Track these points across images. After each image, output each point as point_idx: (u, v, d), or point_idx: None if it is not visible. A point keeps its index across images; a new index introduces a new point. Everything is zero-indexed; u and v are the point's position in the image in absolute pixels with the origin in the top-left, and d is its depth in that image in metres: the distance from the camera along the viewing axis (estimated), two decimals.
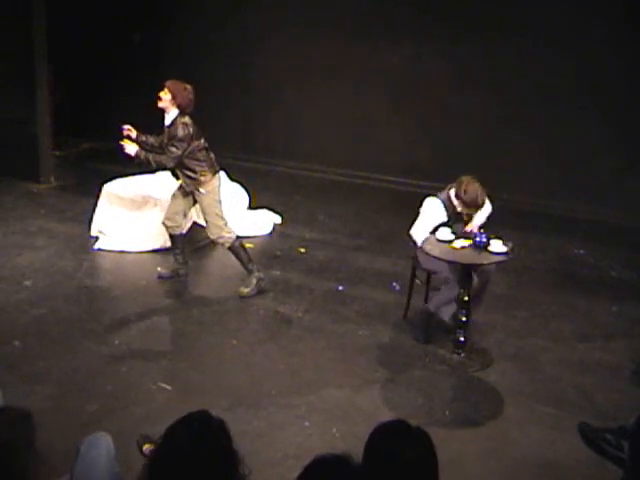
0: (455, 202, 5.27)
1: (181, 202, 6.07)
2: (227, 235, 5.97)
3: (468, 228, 5.37)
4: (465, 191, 5.16)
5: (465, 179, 5.22)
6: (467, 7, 8.28)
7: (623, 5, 7.62)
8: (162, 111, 5.86)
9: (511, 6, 8.09)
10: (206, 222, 6.04)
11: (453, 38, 8.39)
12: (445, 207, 5.35)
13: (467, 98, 8.44)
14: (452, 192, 5.29)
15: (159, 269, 6.35)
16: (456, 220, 5.39)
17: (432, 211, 5.38)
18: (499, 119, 8.37)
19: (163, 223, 6.18)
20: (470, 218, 5.39)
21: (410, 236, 5.44)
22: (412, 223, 5.51)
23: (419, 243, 5.32)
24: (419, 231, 5.39)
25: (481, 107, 8.41)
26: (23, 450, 2.57)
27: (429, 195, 5.50)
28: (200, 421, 2.54)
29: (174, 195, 6.12)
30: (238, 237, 6.07)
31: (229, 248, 6.02)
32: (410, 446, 2.47)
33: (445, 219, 5.36)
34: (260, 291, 6.05)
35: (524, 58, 8.13)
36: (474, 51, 8.31)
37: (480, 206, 5.28)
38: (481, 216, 5.44)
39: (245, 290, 6.00)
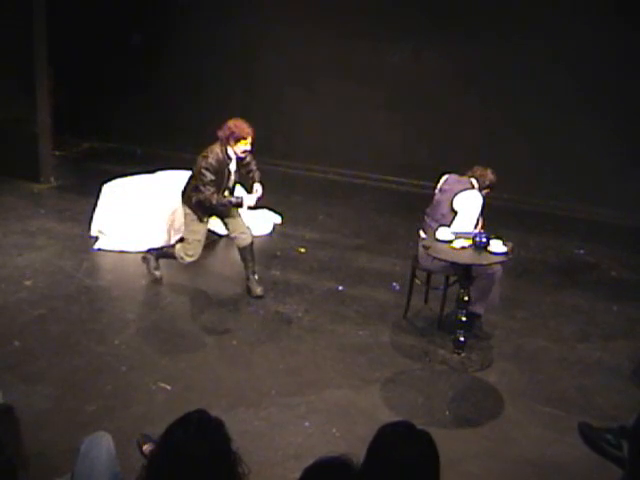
0: (485, 194, 5.50)
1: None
2: (182, 254, 6.01)
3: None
4: (495, 177, 5.52)
5: (480, 169, 5.53)
6: (466, 7, 8.28)
7: (623, 6, 7.61)
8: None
9: (510, 6, 8.09)
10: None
11: (452, 38, 8.39)
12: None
13: (467, 98, 8.45)
14: (476, 183, 5.47)
15: (157, 273, 6.31)
16: None
17: (477, 208, 5.43)
18: (499, 119, 8.37)
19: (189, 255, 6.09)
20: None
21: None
22: (412, 223, 5.53)
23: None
24: (466, 228, 5.37)
25: (481, 107, 8.42)
26: (9, 444, 2.58)
27: (431, 191, 5.56)
28: (198, 421, 2.54)
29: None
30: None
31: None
32: (412, 448, 2.47)
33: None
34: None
35: (523, 58, 8.13)
36: (474, 51, 8.31)
37: None
38: None
39: (258, 289, 6.07)
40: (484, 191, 5.49)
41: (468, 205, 5.38)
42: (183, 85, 9.74)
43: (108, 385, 4.75)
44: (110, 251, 6.86)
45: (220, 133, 5.68)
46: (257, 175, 5.97)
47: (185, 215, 5.97)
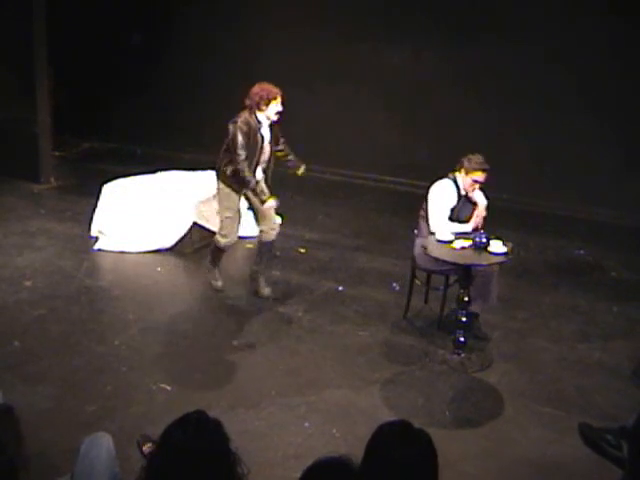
0: (464, 180, 5.34)
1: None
2: (217, 237, 5.93)
3: (477, 218, 5.43)
4: (470, 159, 5.31)
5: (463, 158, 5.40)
6: (466, 9, 8.28)
7: (621, 8, 7.61)
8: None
9: (510, 8, 8.09)
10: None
11: (452, 39, 8.39)
12: (456, 186, 5.39)
13: (466, 99, 8.44)
14: (457, 174, 5.39)
15: (218, 284, 6.11)
16: (464, 206, 5.43)
17: (443, 194, 5.38)
18: (498, 119, 8.37)
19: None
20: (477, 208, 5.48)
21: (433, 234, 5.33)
22: (412, 223, 5.54)
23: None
24: (439, 222, 5.34)
25: (480, 107, 8.41)
26: (10, 444, 2.58)
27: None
28: (196, 421, 2.54)
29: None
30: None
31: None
32: (410, 447, 2.47)
33: (455, 201, 5.38)
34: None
35: (523, 59, 8.12)
36: (473, 52, 8.31)
37: (488, 168, 5.33)
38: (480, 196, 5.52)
39: (266, 290, 6.02)
40: (459, 175, 5.36)
41: (434, 194, 5.40)
42: (183, 85, 9.74)
43: (108, 385, 4.75)
44: (110, 251, 6.86)
45: (248, 101, 5.58)
46: (303, 167, 5.90)
47: (218, 191, 5.78)
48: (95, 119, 10.12)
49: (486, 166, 5.31)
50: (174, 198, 6.94)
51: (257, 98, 5.56)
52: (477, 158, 5.33)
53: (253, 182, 5.58)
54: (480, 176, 5.32)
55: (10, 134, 8.56)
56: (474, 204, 5.46)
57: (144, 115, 9.81)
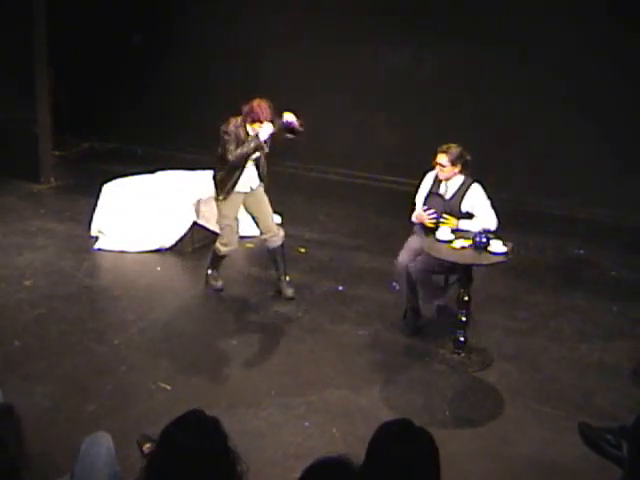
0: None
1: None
2: (218, 245, 5.98)
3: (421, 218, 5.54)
4: None
5: None
6: (467, 12, 8.27)
7: (621, 8, 7.61)
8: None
9: (510, 11, 8.08)
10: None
11: (453, 41, 8.38)
12: (435, 175, 5.57)
13: (466, 99, 8.44)
14: None
15: (217, 284, 6.14)
16: (432, 199, 5.56)
17: (423, 180, 5.67)
18: (498, 120, 8.36)
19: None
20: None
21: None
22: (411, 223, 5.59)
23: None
24: (417, 205, 5.65)
25: (480, 108, 8.41)
26: (11, 443, 2.58)
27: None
28: (195, 421, 2.55)
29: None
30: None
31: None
32: (412, 446, 2.47)
33: (428, 188, 5.58)
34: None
35: (523, 60, 8.11)
36: (474, 53, 8.30)
37: (445, 151, 5.46)
38: (471, 223, 5.48)
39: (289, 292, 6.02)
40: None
41: None
42: (183, 85, 9.73)
43: (108, 385, 4.75)
44: (110, 251, 6.86)
45: (243, 107, 5.64)
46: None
47: (215, 199, 5.89)
48: (95, 119, 10.11)
49: (441, 148, 5.48)
50: (174, 198, 6.94)
51: (248, 110, 5.60)
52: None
53: (249, 146, 5.56)
54: (438, 157, 5.48)
55: (10, 134, 8.55)
56: (463, 214, 5.48)
57: (144, 115, 9.81)
